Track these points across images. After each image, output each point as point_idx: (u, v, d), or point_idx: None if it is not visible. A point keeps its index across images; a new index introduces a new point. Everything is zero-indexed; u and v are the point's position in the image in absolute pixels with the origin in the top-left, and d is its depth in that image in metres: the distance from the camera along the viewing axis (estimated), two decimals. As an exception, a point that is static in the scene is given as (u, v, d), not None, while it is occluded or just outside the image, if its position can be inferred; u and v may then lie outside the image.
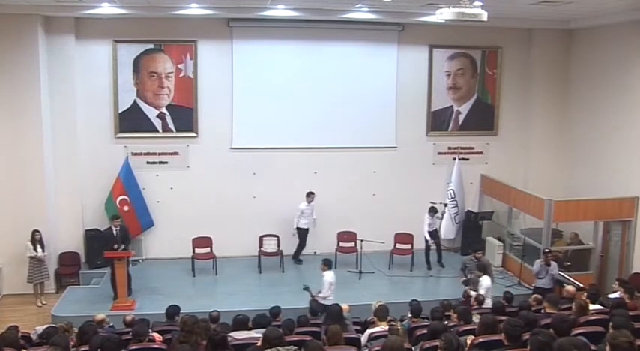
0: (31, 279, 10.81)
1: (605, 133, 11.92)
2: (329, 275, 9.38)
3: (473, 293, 9.20)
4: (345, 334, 6.14)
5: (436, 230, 12.25)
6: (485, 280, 9.43)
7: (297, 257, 12.39)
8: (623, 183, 11.17)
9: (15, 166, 11.06)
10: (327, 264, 9.55)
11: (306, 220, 12.14)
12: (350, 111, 12.73)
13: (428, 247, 12.09)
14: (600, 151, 12.03)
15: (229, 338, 6.08)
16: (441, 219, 12.38)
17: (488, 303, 9.15)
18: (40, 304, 10.76)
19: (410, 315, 7.79)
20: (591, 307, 7.13)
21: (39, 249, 10.80)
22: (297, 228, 12.17)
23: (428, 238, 12.01)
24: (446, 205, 12.46)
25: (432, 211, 12.01)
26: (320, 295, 9.17)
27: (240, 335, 6.20)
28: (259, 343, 5.35)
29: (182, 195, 12.39)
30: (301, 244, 12.34)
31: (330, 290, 9.24)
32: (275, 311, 7.76)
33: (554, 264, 9.88)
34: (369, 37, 12.63)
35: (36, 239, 10.81)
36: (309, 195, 12.11)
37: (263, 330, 5.64)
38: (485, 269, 9.69)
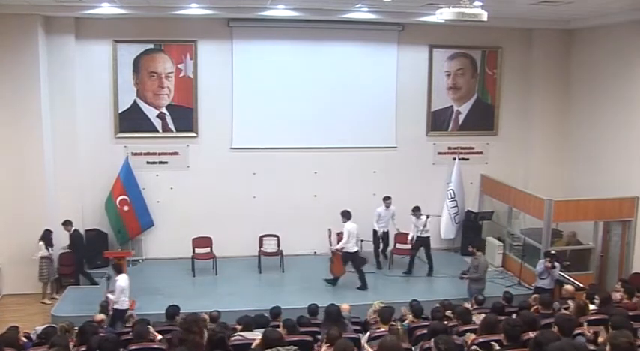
0: (42, 278, 10.82)
1: (605, 133, 11.91)
2: (122, 280, 9.14)
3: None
4: (344, 334, 6.14)
5: (428, 238, 11.73)
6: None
7: (378, 258, 12.27)
8: (623, 183, 11.16)
9: (15, 166, 11.05)
10: (117, 269, 9.34)
11: (383, 223, 12.08)
12: (350, 111, 12.73)
13: (415, 250, 11.79)
14: (600, 151, 12.02)
15: (240, 337, 6.12)
16: (425, 223, 11.60)
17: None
18: (49, 301, 10.76)
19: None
20: (591, 307, 7.14)
21: (50, 248, 10.88)
22: (374, 230, 12.15)
23: (411, 238, 11.77)
24: (428, 216, 11.68)
25: (415, 213, 11.69)
26: (112, 297, 9.01)
27: (250, 335, 6.21)
28: (259, 343, 5.37)
29: (182, 195, 12.39)
30: (376, 247, 12.25)
31: (123, 294, 9.02)
32: (275, 312, 7.76)
33: (557, 265, 9.89)
34: (369, 37, 12.63)
35: (49, 238, 10.88)
36: (386, 199, 12.05)
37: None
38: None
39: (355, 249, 11.05)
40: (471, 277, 10.14)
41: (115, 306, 8.88)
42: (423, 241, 11.76)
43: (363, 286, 10.97)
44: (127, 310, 8.98)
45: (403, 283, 11.47)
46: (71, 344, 6.18)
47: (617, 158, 11.48)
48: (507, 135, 13.46)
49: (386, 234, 12.23)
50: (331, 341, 5.67)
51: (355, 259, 11.06)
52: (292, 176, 12.65)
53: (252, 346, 5.44)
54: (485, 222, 13.06)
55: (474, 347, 5.27)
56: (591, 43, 12.41)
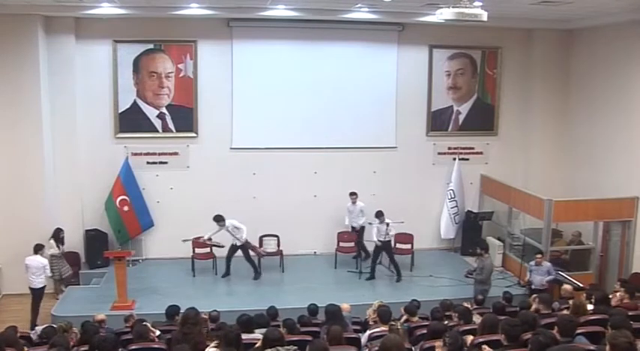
0: (54, 275, 10.80)
1: (605, 133, 11.91)
2: (27, 259, 9.95)
3: None
4: (344, 334, 6.14)
5: (389, 242, 11.45)
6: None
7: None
8: (623, 183, 11.17)
9: (15, 166, 11.05)
10: (34, 249, 10.10)
11: (354, 219, 12.19)
12: (350, 111, 12.73)
13: (376, 254, 11.53)
14: (600, 151, 12.02)
15: None
16: (388, 228, 11.20)
17: None
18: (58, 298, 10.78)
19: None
20: (590, 307, 7.13)
21: (60, 246, 10.95)
22: (352, 227, 12.27)
23: (376, 241, 11.35)
24: (388, 224, 11.19)
25: (380, 218, 11.25)
26: None
27: (245, 336, 6.20)
28: (259, 344, 5.37)
29: (182, 195, 12.39)
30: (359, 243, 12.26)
31: (27, 273, 9.96)
32: (272, 312, 7.75)
33: (546, 265, 9.91)
34: (369, 37, 12.63)
35: (60, 237, 10.95)
36: (351, 195, 12.14)
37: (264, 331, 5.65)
38: None
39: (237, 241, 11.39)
40: (475, 278, 10.16)
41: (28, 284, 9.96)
42: (385, 246, 11.38)
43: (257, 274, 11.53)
44: (38, 289, 9.98)
45: (403, 283, 11.44)
46: (71, 344, 6.19)
47: (617, 158, 11.48)
48: (507, 135, 13.46)
49: (361, 229, 12.13)
50: (332, 339, 5.67)
51: (236, 249, 11.46)
52: (292, 176, 12.65)
53: (254, 347, 5.44)
54: (485, 222, 13.05)
55: (483, 346, 5.25)
56: (591, 43, 12.41)
